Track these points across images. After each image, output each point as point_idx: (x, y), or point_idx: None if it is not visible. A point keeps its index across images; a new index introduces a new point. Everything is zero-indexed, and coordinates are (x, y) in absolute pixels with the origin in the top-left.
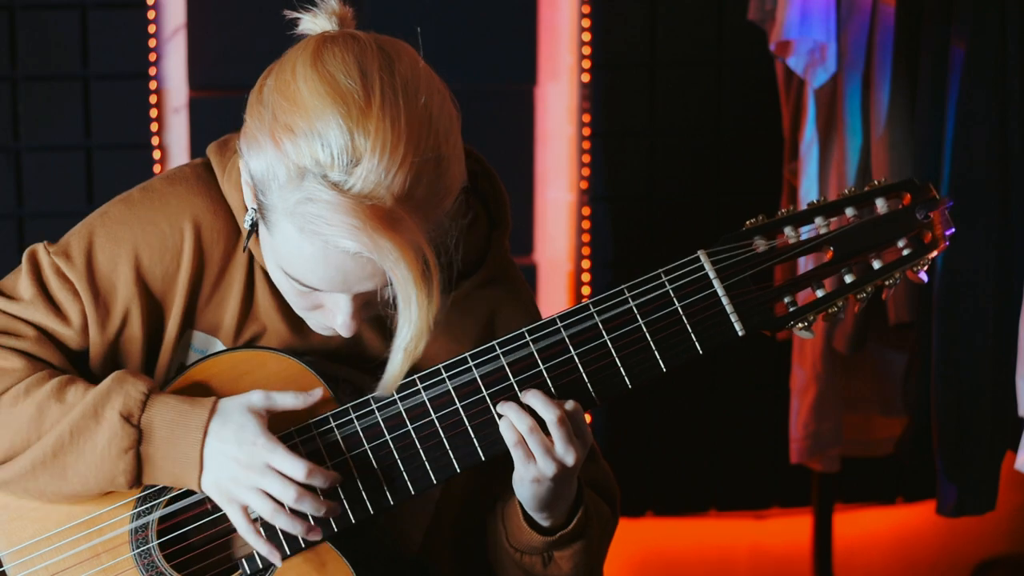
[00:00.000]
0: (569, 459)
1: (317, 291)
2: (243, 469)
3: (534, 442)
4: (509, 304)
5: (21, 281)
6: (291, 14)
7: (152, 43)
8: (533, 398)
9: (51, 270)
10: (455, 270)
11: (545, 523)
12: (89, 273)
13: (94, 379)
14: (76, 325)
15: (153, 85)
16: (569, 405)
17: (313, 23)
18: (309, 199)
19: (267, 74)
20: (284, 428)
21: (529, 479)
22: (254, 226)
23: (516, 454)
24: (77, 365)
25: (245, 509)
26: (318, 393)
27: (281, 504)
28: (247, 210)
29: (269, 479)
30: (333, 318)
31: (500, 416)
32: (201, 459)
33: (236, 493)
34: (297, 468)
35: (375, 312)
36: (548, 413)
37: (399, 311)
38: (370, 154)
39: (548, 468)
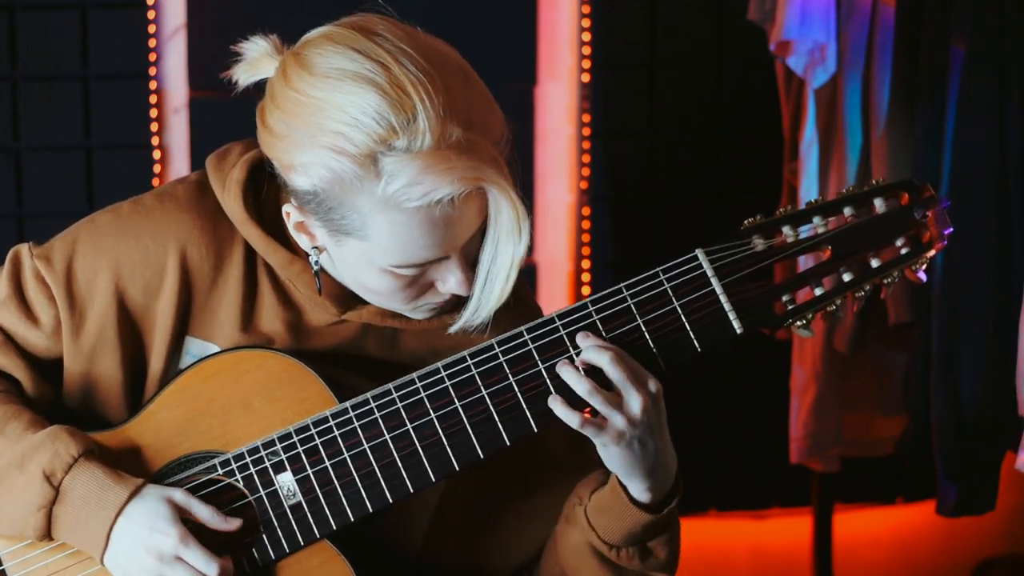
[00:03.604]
0: (635, 405)
1: (426, 267)
2: (150, 556)
3: (597, 402)
4: (522, 323)
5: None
6: (227, 74)
7: (152, 43)
8: (582, 340)
9: (31, 272)
10: (519, 184)
11: (644, 496)
12: (67, 279)
13: (65, 389)
14: (47, 327)
15: (153, 85)
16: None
17: (248, 70)
18: (394, 175)
19: (262, 115)
20: (283, 427)
21: (611, 442)
22: (318, 265)
23: (587, 431)
24: (44, 372)
25: None
26: (236, 523)
27: None
28: (253, 219)
29: (178, 573)
30: (448, 285)
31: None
32: (108, 537)
33: None
34: (210, 567)
35: (474, 258)
36: (601, 357)
37: (502, 229)
38: (420, 103)
39: (619, 421)
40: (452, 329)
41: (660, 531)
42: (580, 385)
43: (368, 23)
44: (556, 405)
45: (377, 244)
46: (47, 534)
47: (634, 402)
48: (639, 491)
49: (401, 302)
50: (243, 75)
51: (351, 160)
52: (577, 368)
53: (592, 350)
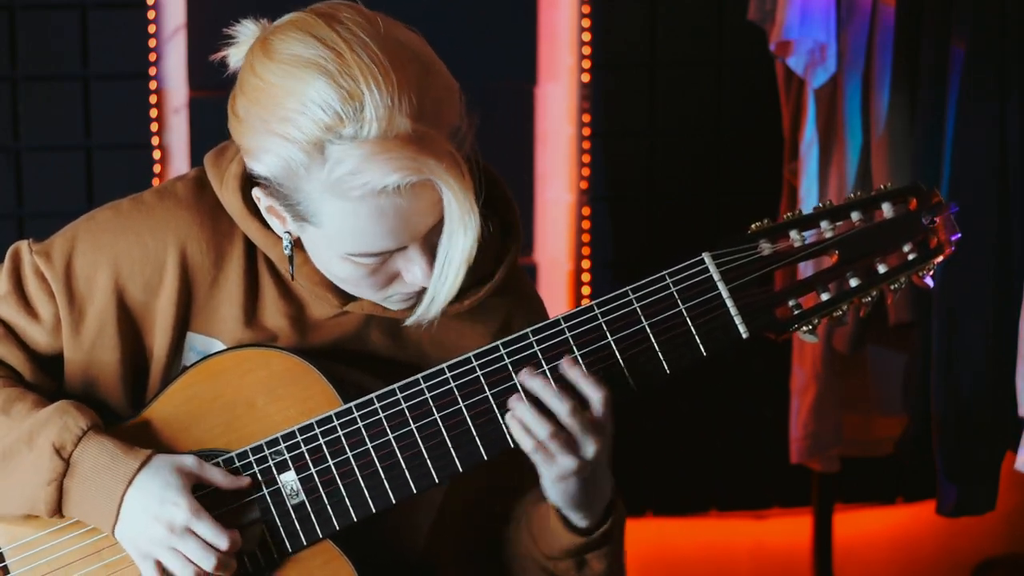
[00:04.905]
0: (589, 450)
1: (387, 260)
2: (162, 528)
3: (554, 447)
4: (523, 312)
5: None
6: (216, 56)
7: (152, 43)
8: (528, 378)
9: (30, 269)
10: (478, 178)
11: (582, 523)
12: (67, 276)
13: (66, 385)
14: (47, 324)
15: (153, 85)
16: (595, 392)
17: (240, 52)
18: (338, 162)
19: (232, 101)
20: (287, 426)
21: (554, 478)
22: (292, 247)
23: (536, 458)
24: (44, 367)
25: (159, 564)
26: (246, 481)
27: (198, 567)
28: (252, 212)
29: (189, 544)
30: (413, 277)
31: (511, 416)
32: (119, 508)
33: (152, 551)
34: (220, 539)
35: None
36: (561, 405)
37: (452, 221)
38: (368, 92)
39: (569, 463)
40: (408, 321)
41: (597, 547)
42: (540, 428)
43: (334, 10)
44: (514, 425)
45: (331, 231)
46: (58, 509)
47: (589, 448)
48: (576, 519)
49: (369, 291)
50: (233, 57)
51: (298, 147)
52: (535, 407)
53: (553, 399)
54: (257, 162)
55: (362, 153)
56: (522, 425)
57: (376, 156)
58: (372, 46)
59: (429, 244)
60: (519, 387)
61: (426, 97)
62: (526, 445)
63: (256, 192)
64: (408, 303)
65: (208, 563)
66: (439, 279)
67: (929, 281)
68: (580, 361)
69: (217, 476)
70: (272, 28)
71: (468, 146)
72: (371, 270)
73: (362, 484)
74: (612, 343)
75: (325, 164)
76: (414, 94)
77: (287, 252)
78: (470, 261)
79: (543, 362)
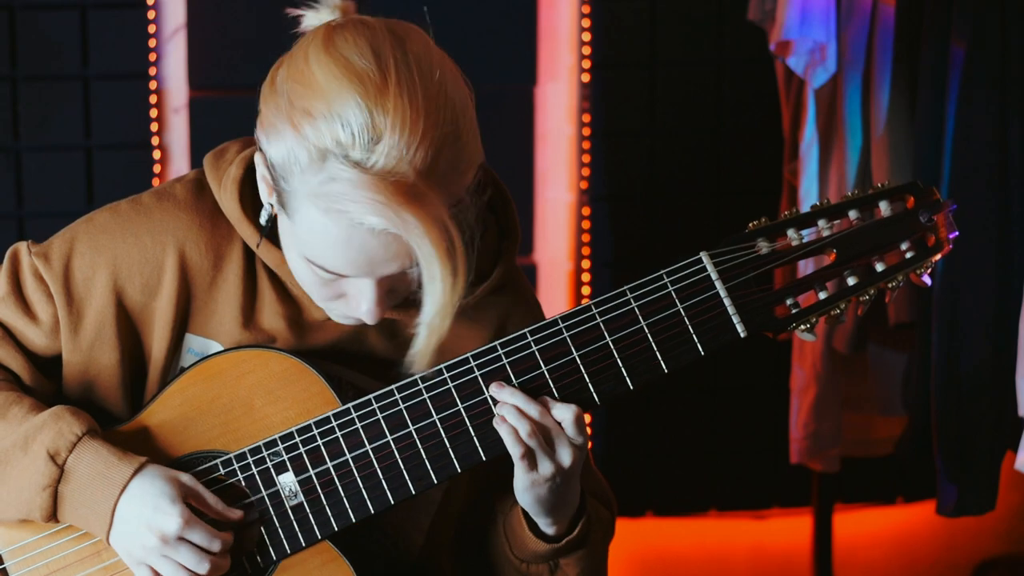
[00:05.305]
0: (566, 459)
1: (341, 278)
2: (154, 537)
3: (533, 444)
4: (520, 311)
5: None
6: (294, 11)
7: (152, 43)
8: (498, 391)
9: (29, 270)
10: (476, 249)
11: (550, 530)
12: (65, 277)
13: (64, 387)
14: (46, 325)
15: (153, 85)
16: (565, 412)
17: (317, 18)
18: (332, 179)
19: (279, 64)
20: (285, 427)
21: (529, 483)
22: (271, 221)
23: (521, 465)
24: (43, 369)
25: (154, 571)
26: (239, 513)
27: (193, 573)
28: (248, 217)
29: (182, 552)
30: (357, 306)
31: (498, 421)
32: (112, 515)
33: (146, 558)
34: (213, 543)
35: (401, 299)
36: (521, 425)
37: (424, 287)
38: (390, 131)
39: (546, 469)
40: (408, 366)
41: (568, 552)
42: (523, 426)
43: (406, 32)
44: (503, 429)
45: (300, 231)
46: (53, 515)
47: (566, 457)
48: (543, 524)
49: (315, 294)
50: (307, 20)
51: (304, 147)
52: (518, 410)
53: (521, 421)
54: (266, 137)
55: (356, 180)
56: (512, 432)
57: (366, 189)
58: (419, 90)
59: (385, 287)
60: (489, 400)
61: (441, 158)
62: (515, 452)
63: (258, 158)
64: (347, 321)
65: (202, 568)
66: (427, 328)
67: (927, 279)
68: (551, 384)
69: (210, 499)
70: (346, 19)
71: (467, 222)
72: (322, 281)
73: (360, 485)
74: (610, 343)
75: (320, 174)
76: (431, 151)
77: (263, 222)
78: (438, 331)
79: (541, 363)
